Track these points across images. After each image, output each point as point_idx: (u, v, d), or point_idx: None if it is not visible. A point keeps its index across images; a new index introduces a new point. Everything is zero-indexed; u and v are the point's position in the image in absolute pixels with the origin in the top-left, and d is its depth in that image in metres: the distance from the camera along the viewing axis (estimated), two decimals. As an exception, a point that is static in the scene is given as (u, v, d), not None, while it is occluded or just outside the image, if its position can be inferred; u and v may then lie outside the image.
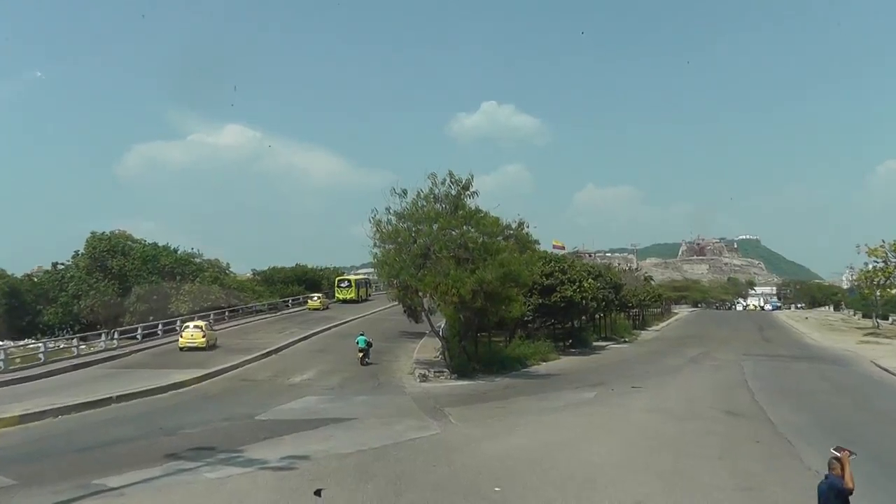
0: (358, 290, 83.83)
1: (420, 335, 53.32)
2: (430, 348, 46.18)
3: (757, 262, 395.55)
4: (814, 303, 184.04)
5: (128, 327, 50.95)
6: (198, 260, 71.31)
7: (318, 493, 14.17)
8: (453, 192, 35.71)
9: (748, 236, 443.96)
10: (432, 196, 35.66)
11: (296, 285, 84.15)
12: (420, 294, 35.50)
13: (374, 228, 36.27)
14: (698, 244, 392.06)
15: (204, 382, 32.69)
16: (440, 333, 42.36)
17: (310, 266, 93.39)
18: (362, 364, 39.21)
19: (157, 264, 62.14)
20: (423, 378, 34.30)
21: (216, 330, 50.41)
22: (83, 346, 44.95)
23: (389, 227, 36.12)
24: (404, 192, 35.72)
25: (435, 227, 35.18)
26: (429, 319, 39.50)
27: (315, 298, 77.08)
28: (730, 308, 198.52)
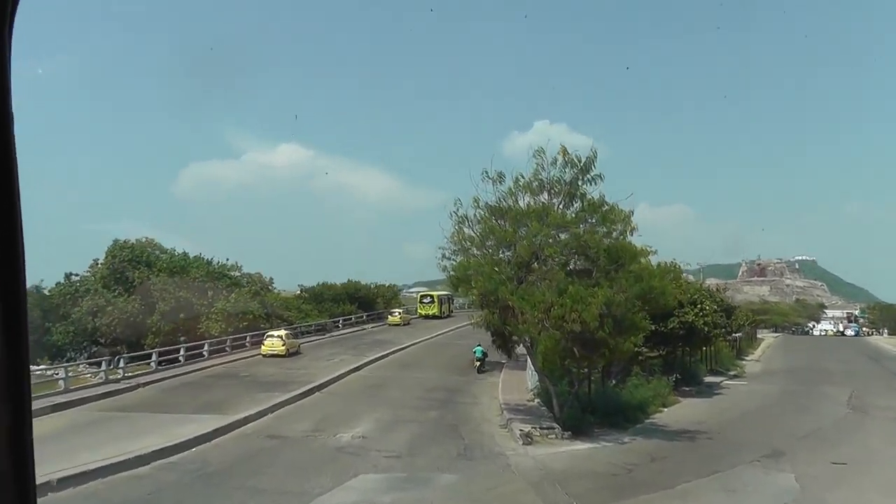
0: (440, 306, 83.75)
1: (494, 365, 43.65)
2: (514, 385, 36.30)
3: (819, 284, 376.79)
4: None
5: (140, 353, 42.02)
6: (235, 274, 62.26)
7: None
8: (567, 177, 25.73)
9: (805, 257, 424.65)
10: (538, 182, 25.73)
11: (347, 303, 74.78)
12: (521, 317, 24.85)
13: (456, 228, 26.63)
14: (759, 264, 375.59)
15: (213, 442, 22.82)
16: (535, 370, 32.44)
17: (363, 283, 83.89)
18: (479, 372, 41.77)
19: (187, 277, 53.23)
20: (527, 438, 24.08)
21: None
22: (88, 374, 36.30)
23: (478, 226, 26.42)
24: (500, 176, 25.84)
25: (541, 225, 25.26)
26: (530, 354, 29.13)
27: (396, 314, 75.79)
28: (806, 333, 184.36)
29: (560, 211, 25.03)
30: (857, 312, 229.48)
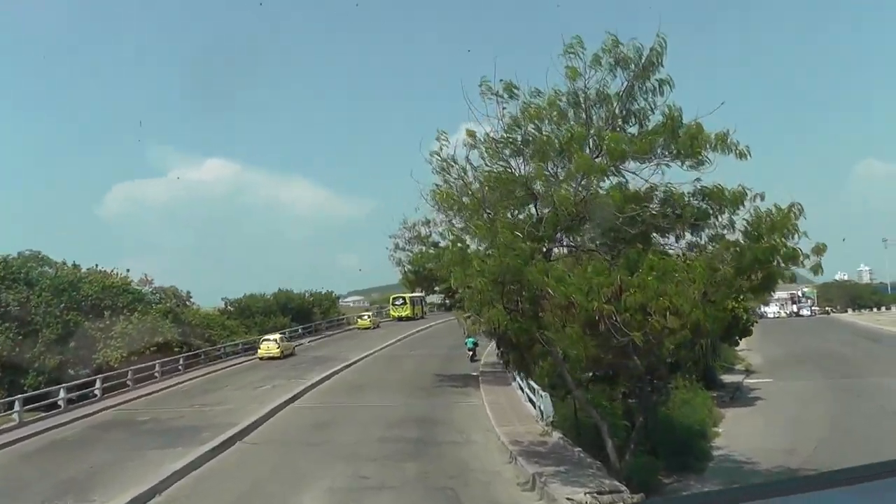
0: (413, 307, 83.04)
1: (464, 380, 35.19)
2: (508, 409, 27.61)
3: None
4: (854, 305, 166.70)
5: (8, 398, 31.95)
6: (143, 289, 51.78)
7: None
8: (622, 84, 16.25)
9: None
10: (570, 97, 16.45)
11: (279, 316, 64.76)
12: (562, 313, 14.98)
13: (441, 176, 17.62)
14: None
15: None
16: (532, 388, 23.61)
17: (295, 292, 73.78)
18: (472, 361, 43.68)
19: (77, 295, 42.65)
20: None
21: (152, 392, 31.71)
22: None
23: (478, 174, 17.35)
24: (510, 88, 16.32)
25: (590, 159, 15.77)
26: (563, 370, 19.56)
27: (365, 317, 77.13)
28: (761, 316, 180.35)
29: (615, 134, 15.65)
30: (801, 292, 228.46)
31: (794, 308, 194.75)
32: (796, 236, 14.94)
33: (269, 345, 49.88)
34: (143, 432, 26.40)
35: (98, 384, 35.23)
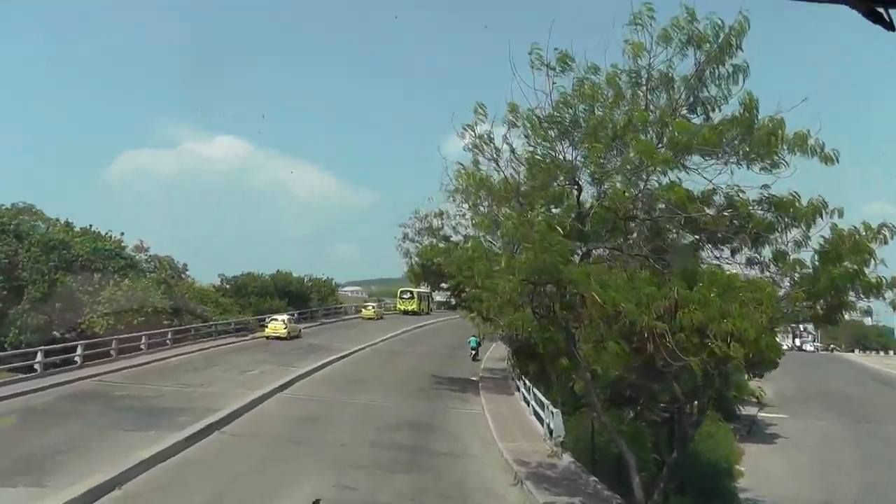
0: (420, 303, 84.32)
1: (463, 385, 33.44)
2: (511, 421, 25.77)
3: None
4: (860, 345, 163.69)
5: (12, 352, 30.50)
6: (138, 256, 49.78)
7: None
8: (692, 67, 14.18)
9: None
10: (638, 75, 14.19)
11: (276, 298, 62.79)
12: (608, 325, 12.77)
13: (472, 154, 15.64)
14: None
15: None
16: (540, 403, 21.68)
17: (294, 275, 71.71)
18: (473, 360, 44.23)
19: (67, 255, 40.59)
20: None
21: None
22: None
23: (514, 157, 15.34)
24: (565, 60, 14.09)
25: (652, 146, 13.53)
26: (590, 391, 17.37)
27: (370, 307, 77.83)
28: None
29: (682, 122, 13.47)
30: (803, 326, 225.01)
31: (798, 342, 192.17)
32: (873, 262, 12.89)
33: (277, 325, 51.06)
34: (118, 409, 24.47)
35: (79, 351, 33.30)
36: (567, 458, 19.66)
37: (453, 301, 38.32)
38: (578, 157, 14.57)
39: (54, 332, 39.64)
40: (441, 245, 33.57)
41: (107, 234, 44.78)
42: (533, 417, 25.41)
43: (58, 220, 44.43)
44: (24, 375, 29.28)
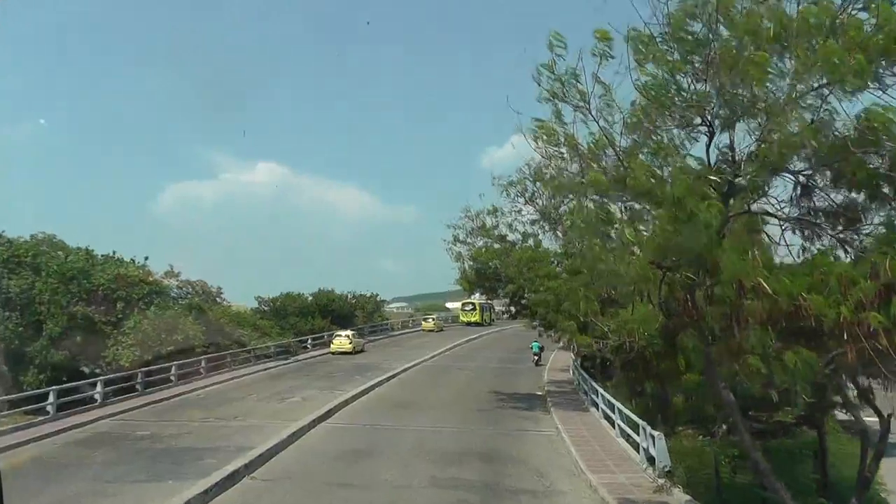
0: (482, 314, 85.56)
1: (528, 401, 29.68)
2: (597, 443, 21.54)
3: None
4: None
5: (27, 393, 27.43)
6: (169, 282, 46.63)
7: None
8: None
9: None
10: None
11: (318, 318, 59.29)
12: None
13: (551, 106, 11.53)
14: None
15: None
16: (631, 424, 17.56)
17: (337, 293, 68.09)
18: (536, 366, 44.42)
19: (87, 285, 37.46)
20: None
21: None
22: None
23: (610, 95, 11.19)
24: None
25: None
26: (741, 428, 12.53)
27: (429, 320, 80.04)
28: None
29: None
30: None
31: None
32: None
33: (342, 340, 52.61)
34: (134, 453, 20.91)
35: (99, 388, 29.93)
36: (680, 495, 15.44)
37: (513, 309, 34.26)
38: (708, 88, 10.39)
39: (83, 368, 36.72)
40: (496, 246, 29.70)
41: (131, 260, 41.48)
42: (622, 440, 21.25)
43: (78, 248, 41.28)
44: (37, 418, 26.00)
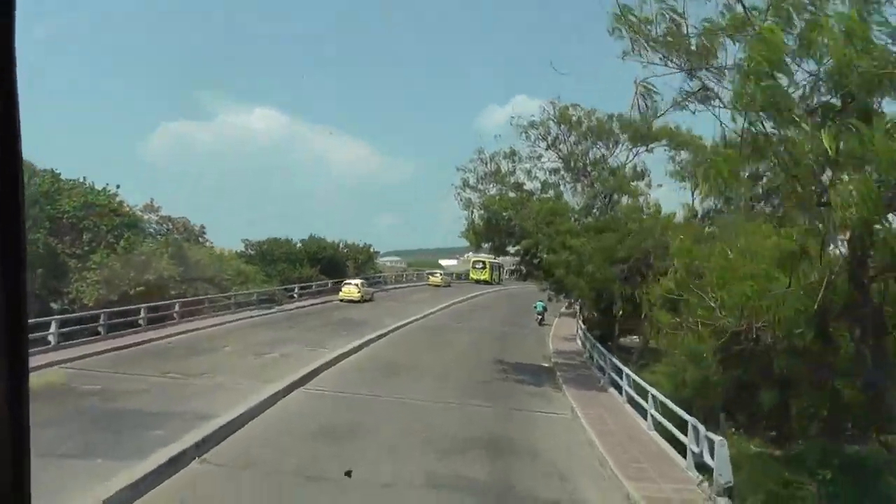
0: (492, 273, 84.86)
1: (535, 373, 26.45)
2: (622, 438, 17.88)
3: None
4: None
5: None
6: (148, 216, 42.92)
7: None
8: None
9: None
10: None
11: (307, 266, 55.59)
12: None
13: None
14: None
15: None
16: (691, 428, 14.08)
17: (328, 240, 64.12)
18: (539, 325, 45.05)
19: (52, 211, 33.58)
20: None
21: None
22: None
23: None
24: None
25: None
26: None
27: (437, 275, 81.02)
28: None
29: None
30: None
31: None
32: None
33: (351, 288, 52.80)
34: (75, 413, 17.36)
35: (53, 328, 26.27)
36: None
37: (523, 269, 30.69)
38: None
39: (52, 304, 33.13)
40: (511, 195, 25.97)
41: (103, 189, 37.37)
42: (655, 433, 17.78)
43: (45, 170, 37.25)
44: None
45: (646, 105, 11.50)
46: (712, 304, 13.42)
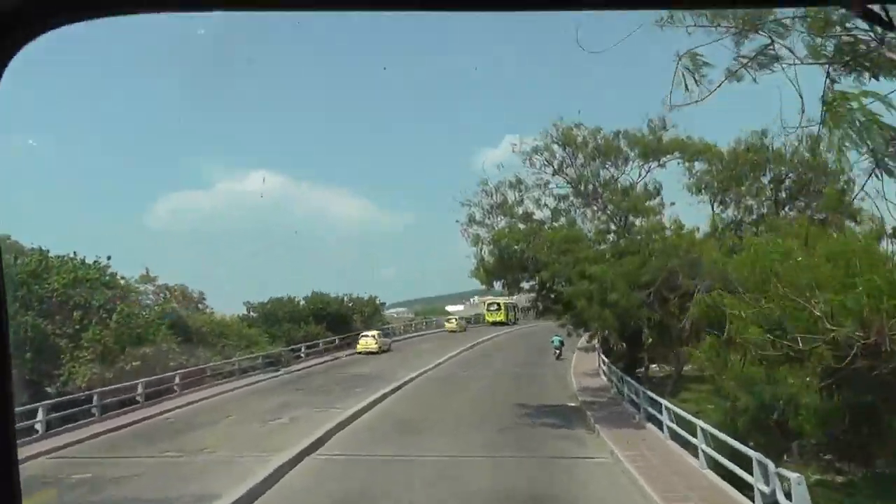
0: (507, 313, 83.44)
1: (563, 414, 24.59)
2: (676, 483, 15.77)
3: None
4: None
5: None
6: (144, 287, 41.26)
7: None
8: None
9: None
10: None
11: (311, 324, 53.64)
12: None
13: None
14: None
15: None
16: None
17: (332, 295, 62.01)
18: (557, 360, 44.78)
19: (40, 291, 31.86)
20: None
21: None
22: None
23: None
24: None
25: None
26: None
27: (452, 321, 78.03)
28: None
29: None
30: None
31: None
32: None
33: (368, 340, 52.44)
34: (56, 509, 15.51)
35: (40, 415, 24.45)
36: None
37: (539, 305, 28.80)
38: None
39: (47, 389, 31.26)
40: (521, 227, 24.33)
41: (94, 262, 35.57)
42: (709, 472, 15.78)
43: (32, 249, 35.56)
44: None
45: (694, 80, 9.90)
46: (817, 314, 11.47)
